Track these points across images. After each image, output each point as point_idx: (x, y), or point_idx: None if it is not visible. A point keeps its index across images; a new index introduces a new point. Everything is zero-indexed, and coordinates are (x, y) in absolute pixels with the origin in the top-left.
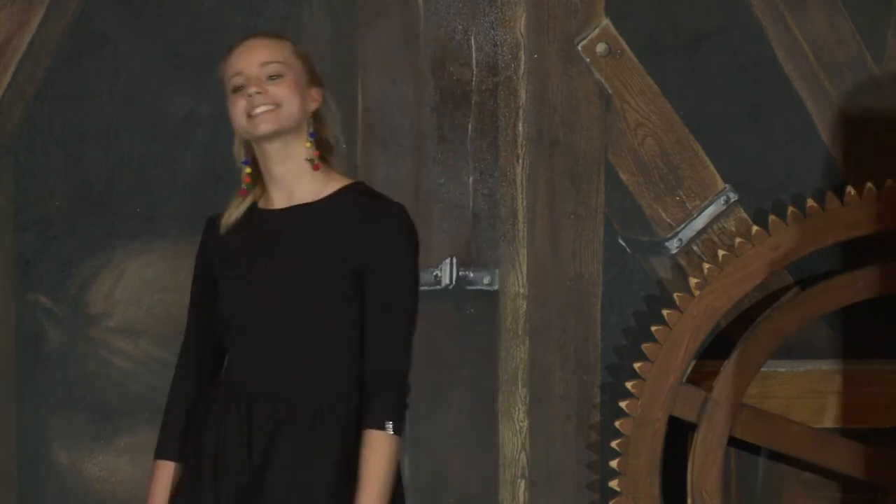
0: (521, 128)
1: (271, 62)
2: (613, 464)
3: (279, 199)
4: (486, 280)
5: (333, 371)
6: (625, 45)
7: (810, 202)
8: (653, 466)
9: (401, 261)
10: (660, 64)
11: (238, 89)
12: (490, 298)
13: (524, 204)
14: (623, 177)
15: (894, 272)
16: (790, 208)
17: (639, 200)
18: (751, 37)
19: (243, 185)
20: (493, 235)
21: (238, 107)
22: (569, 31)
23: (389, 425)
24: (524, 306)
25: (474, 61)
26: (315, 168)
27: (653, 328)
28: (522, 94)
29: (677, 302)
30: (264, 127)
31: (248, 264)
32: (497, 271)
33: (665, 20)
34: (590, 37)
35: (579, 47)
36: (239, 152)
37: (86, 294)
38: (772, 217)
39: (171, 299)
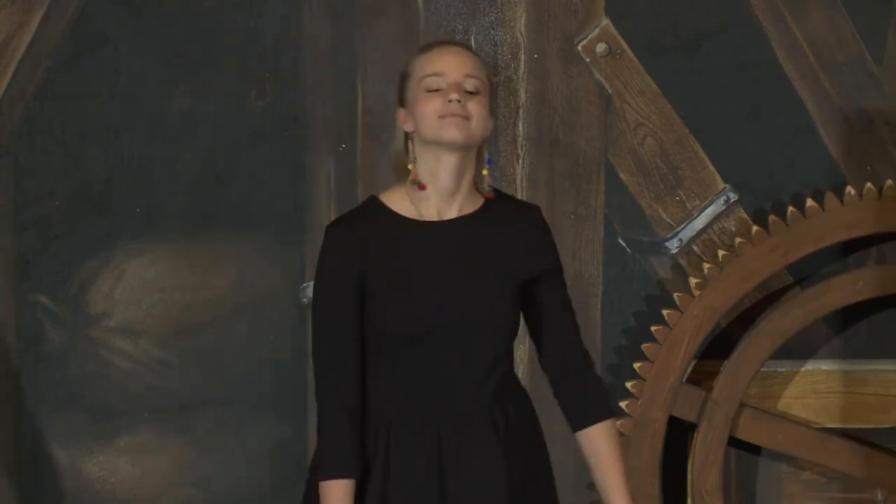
0: (521, 128)
1: (474, 77)
2: None
3: (441, 211)
4: None
5: (503, 380)
6: (625, 45)
7: (810, 202)
8: (653, 466)
9: (559, 258)
10: (660, 64)
11: (433, 90)
12: None
13: None
14: (623, 177)
15: (894, 272)
16: (790, 208)
17: (639, 200)
18: (751, 37)
19: (415, 182)
20: None
21: (431, 106)
22: (569, 31)
23: (611, 414)
24: None
25: None
26: (490, 197)
27: (653, 328)
28: (522, 94)
29: (677, 302)
30: (455, 134)
31: (433, 275)
32: None
33: (665, 20)
34: (590, 37)
35: (579, 47)
36: (402, 150)
37: (86, 294)
38: (772, 217)
39: (171, 299)
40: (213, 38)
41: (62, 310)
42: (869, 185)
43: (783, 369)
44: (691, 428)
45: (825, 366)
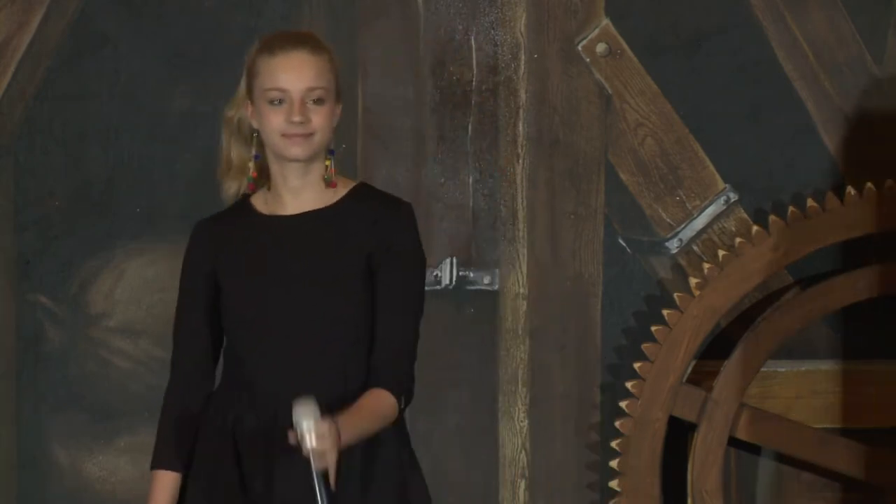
0: (521, 128)
1: (317, 87)
2: (613, 464)
3: (291, 206)
4: (486, 280)
5: (355, 370)
6: (625, 45)
7: (810, 202)
8: (653, 466)
9: (411, 251)
10: (660, 64)
11: (276, 103)
12: (490, 298)
13: (524, 204)
14: (623, 177)
15: (894, 272)
16: (790, 208)
17: (639, 200)
18: (751, 37)
19: (249, 180)
20: (493, 235)
21: (273, 122)
22: (569, 31)
23: (401, 398)
24: (524, 306)
25: (474, 61)
26: (333, 185)
27: (653, 328)
28: (522, 94)
29: (677, 302)
30: (298, 152)
31: (272, 267)
32: (497, 271)
33: (665, 20)
34: (590, 37)
35: (579, 47)
36: (249, 146)
37: (86, 294)
38: (772, 217)
39: (171, 299)
40: (213, 38)
41: (62, 310)
42: (869, 185)
43: (783, 369)
44: (691, 428)
45: (825, 366)
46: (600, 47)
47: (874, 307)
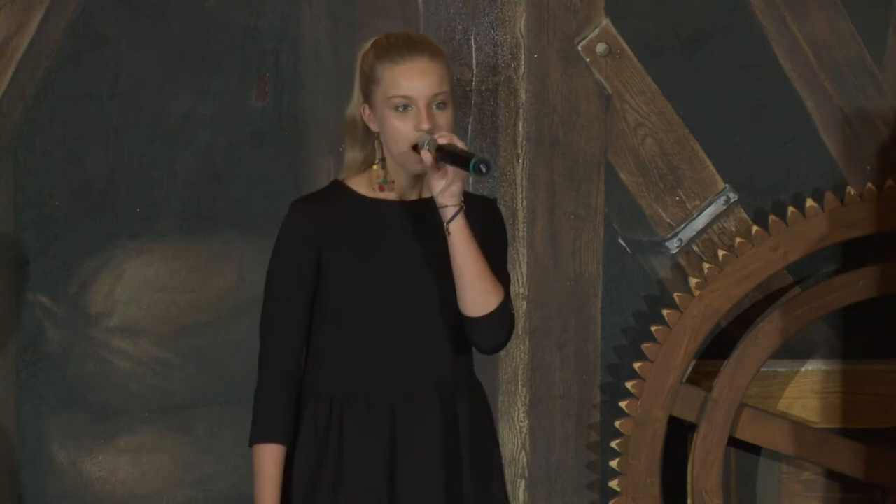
0: (521, 128)
1: (441, 93)
2: (613, 464)
3: (403, 194)
4: None
5: (460, 368)
6: (625, 45)
7: (810, 202)
8: (653, 466)
9: (503, 239)
10: (659, 64)
11: (401, 109)
12: None
13: (524, 204)
14: (623, 177)
15: (894, 272)
16: (790, 208)
17: (639, 200)
18: (751, 37)
19: (382, 182)
20: None
21: (402, 132)
22: (569, 31)
23: (508, 303)
24: (524, 306)
25: (474, 61)
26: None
27: (653, 328)
28: (522, 94)
29: (677, 302)
30: (424, 165)
31: (388, 251)
32: None
33: (665, 20)
34: (590, 37)
35: (579, 47)
36: (364, 146)
37: (86, 294)
38: (772, 217)
39: (171, 299)
40: (213, 38)
41: (62, 310)
42: (869, 185)
43: (783, 369)
44: (691, 428)
45: (825, 366)
46: (600, 47)
47: (874, 307)
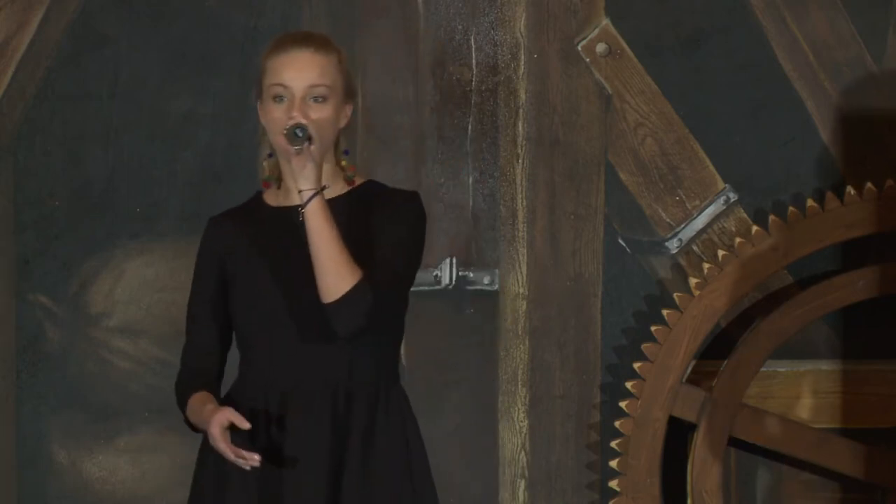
0: (520, 128)
1: (319, 85)
2: (613, 464)
3: (297, 197)
4: (486, 280)
5: (362, 361)
6: (624, 45)
7: (810, 202)
8: (653, 466)
9: (408, 212)
10: (659, 64)
11: (278, 99)
12: (490, 298)
13: (524, 204)
14: (623, 177)
15: (894, 272)
16: (790, 208)
17: (639, 200)
18: (751, 37)
19: (266, 178)
20: (493, 235)
21: (275, 119)
22: (569, 31)
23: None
24: (524, 306)
25: (474, 61)
26: (352, 184)
27: (653, 328)
28: (522, 94)
29: (677, 302)
30: (282, 148)
31: (278, 258)
32: (497, 271)
33: (665, 20)
34: (590, 37)
35: (579, 47)
36: (263, 143)
37: (86, 294)
38: (772, 217)
39: (170, 299)
40: (213, 38)
41: (62, 310)
42: (869, 185)
43: (783, 369)
44: (691, 428)
45: (825, 366)
46: (600, 47)
47: (874, 307)
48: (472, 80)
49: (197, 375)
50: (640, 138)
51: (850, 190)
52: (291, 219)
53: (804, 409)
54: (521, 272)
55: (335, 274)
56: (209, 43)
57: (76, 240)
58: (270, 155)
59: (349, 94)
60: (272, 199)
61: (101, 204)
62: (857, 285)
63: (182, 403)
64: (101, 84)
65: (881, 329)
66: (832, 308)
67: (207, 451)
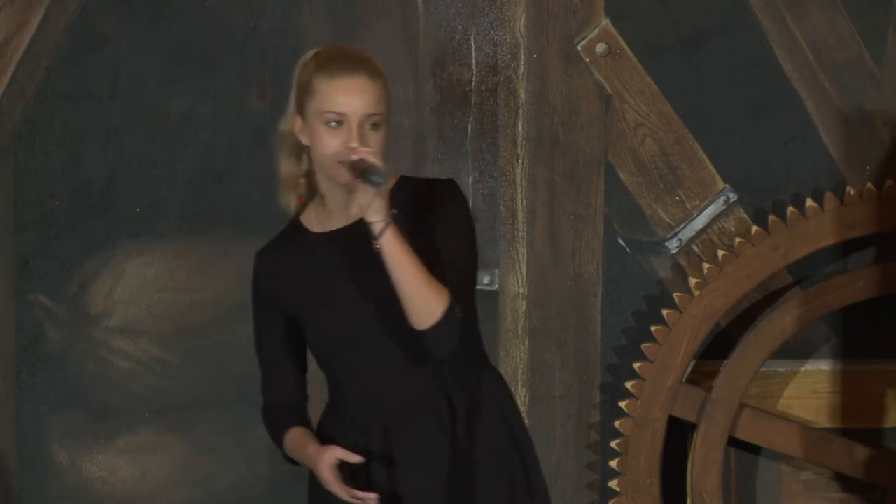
0: (520, 128)
1: (376, 114)
2: (613, 464)
3: (341, 219)
4: (486, 280)
5: (450, 369)
6: (624, 45)
7: (810, 202)
8: (653, 466)
9: (458, 218)
10: (659, 64)
11: (332, 125)
12: (490, 298)
13: (524, 204)
14: (623, 177)
15: (894, 272)
16: (790, 208)
17: (638, 200)
18: (751, 37)
19: (301, 194)
20: (493, 235)
21: (331, 147)
22: (568, 31)
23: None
24: (524, 306)
25: (474, 61)
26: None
27: (652, 328)
28: (522, 94)
29: (677, 302)
30: (348, 181)
31: (339, 288)
32: (497, 271)
33: (665, 20)
34: (589, 37)
35: (579, 47)
36: (282, 149)
37: (86, 294)
38: (771, 217)
39: (170, 299)
40: (213, 38)
41: (62, 310)
42: (869, 185)
43: (783, 369)
44: (691, 428)
45: (825, 366)
46: (600, 47)
47: (874, 307)
48: (471, 80)
49: (284, 410)
50: (640, 138)
51: (850, 190)
52: (344, 243)
53: (804, 409)
54: (521, 272)
55: (424, 301)
56: (209, 43)
57: (76, 240)
58: (308, 173)
59: (389, 117)
60: (313, 224)
61: (101, 204)
62: (857, 285)
63: (277, 440)
64: (101, 84)
65: (881, 329)
66: (832, 308)
67: (316, 489)
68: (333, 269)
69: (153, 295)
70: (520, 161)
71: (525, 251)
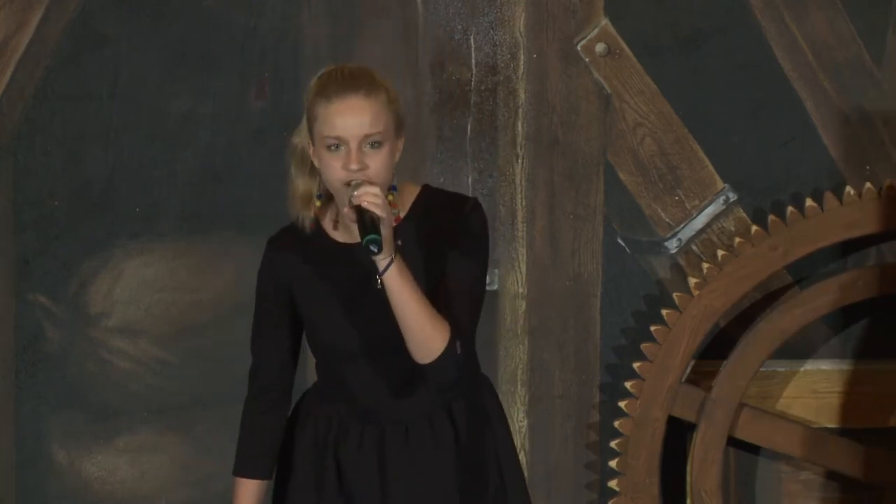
0: (520, 127)
1: (373, 133)
2: (613, 464)
3: (356, 234)
4: (486, 280)
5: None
6: (624, 45)
7: (810, 202)
8: (652, 466)
9: (471, 239)
10: (659, 64)
11: (333, 149)
12: (489, 298)
13: (523, 204)
14: (622, 177)
15: (894, 272)
16: (789, 208)
17: (638, 200)
18: (750, 37)
19: (312, 219)
20: (493, 235)
21: (334, 169)
22: (568, 31)
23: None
24: (523, 306)
25: (473, 61)
26: (397, 221)
27: (652, 328)
28: (521, 94)
29: (677, 302)
30: (350, 217)
31: (355, 297)
32: (497, 271)
33: (664, 20)
34: (589, 37)
35: (578, 47)
36: (311, 178)
37: (85, 294)
38: (771, 217)
39: (170, 299)
40: (213, 38)
41: (62, 310)
42: (868, 185)
43: (783, 369)
44: (691, 428)
45: (825, 366)
46: (599, 47)
47: (874, 307)
48: (471, 80)
49: (263, 414)
50: (640, 138)
51: (850, 190)
52: (359, 258)
53: (804, 409)
54: (521, 272)
55: (425, 337)
56: (209, 43)
57: (76, 240)
58: (320, 196)
59: (399, 128)
60: (330, 228)
61: (101, 204)
62: (857, 285)
63: (244, 428)
64: (101, 84)
65: (881, 329)
66: (832, 308)
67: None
68: (347, 278)
69: (153, 295)
70: (519, 161)
71: (524, 251)
